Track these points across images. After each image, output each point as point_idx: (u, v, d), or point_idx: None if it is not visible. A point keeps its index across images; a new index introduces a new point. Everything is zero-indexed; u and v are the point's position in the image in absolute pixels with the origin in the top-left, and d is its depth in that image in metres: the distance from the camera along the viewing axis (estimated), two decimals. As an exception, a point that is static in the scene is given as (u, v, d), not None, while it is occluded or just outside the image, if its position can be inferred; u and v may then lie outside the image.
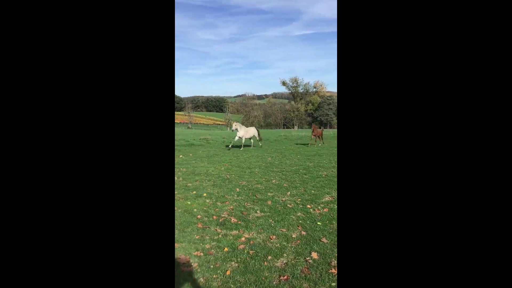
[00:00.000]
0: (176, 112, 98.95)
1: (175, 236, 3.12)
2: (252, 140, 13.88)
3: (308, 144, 15.82)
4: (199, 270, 2.45)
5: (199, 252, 2.77)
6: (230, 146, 12.68)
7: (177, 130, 37.46)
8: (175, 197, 4.64)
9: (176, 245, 2.91)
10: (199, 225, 3.44)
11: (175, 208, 4.06)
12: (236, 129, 12.55)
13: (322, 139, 15.69)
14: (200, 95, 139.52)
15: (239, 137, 12.53)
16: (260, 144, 14.11)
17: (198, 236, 3.13)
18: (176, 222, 3.53)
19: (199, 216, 3.76)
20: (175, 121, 78.78)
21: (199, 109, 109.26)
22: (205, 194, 4.84)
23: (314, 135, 15.25)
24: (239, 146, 13.03)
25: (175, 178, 6.17)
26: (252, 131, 13.29)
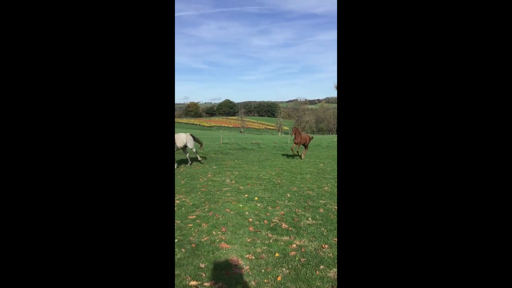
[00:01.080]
0: (229, 117, 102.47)
1: (228, 237, 3.22)
2: (191, 150, 9.20)
3: (291, 155, 11.38)
4: (250, 273, 2.48)
5: (250, 255, 2.81)
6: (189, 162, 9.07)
7: (230, 134, 38.74)
8: (228, 199, 4.80)
9: (228, 246, 3.00)
10: (251, 229, 3.49)
11: (227, 210, 4.19)
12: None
13: (306, 148, 11.11)
14: (253, 100, 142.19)
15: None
16: (199, 158, 9.49)
17: (249, 239, 3.18)
18: (228, 223, 3.64)
19: (250, 220, 3.82)
20: (229, 125, 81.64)
21: (251, 114, 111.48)
22: (256, 198, 4.91)
23: (297, 143, 10.25)
24: (195, 158, 9.86)
25: (228, 180, 6.37)
26: (181, 139, 8.63)
